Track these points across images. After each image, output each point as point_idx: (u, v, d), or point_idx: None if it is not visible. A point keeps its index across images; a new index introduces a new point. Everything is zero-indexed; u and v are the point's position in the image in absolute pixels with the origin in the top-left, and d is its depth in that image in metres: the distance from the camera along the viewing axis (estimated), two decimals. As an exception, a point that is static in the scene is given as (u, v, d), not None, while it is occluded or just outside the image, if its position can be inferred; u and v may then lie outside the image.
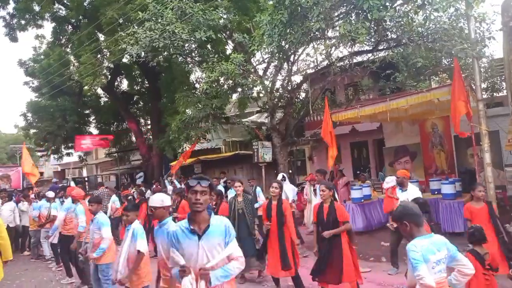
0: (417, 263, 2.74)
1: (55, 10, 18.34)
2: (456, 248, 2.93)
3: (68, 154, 22.55)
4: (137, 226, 4.45)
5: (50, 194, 9.47)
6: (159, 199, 3.97)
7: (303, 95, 14.68)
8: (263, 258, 6.06)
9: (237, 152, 16.95)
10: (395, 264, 6.60)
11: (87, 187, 22.31)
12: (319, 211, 5.15)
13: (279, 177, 9.49)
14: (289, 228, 5.65)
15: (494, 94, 12.58)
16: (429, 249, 2.79)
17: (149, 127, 22.51)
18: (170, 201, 4.17)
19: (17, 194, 13.09)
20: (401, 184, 6.42)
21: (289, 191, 9.10)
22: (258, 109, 17.11)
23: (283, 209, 5.71)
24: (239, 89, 12.27)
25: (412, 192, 6.18)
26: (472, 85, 8.24)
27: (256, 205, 7.41)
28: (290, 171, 15.22)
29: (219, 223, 2.74)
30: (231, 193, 8.23)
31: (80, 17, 17.92)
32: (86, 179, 29.07)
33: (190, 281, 2.54)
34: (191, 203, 2.68)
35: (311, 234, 8.02)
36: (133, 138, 22.16)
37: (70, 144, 22.00)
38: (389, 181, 6.79)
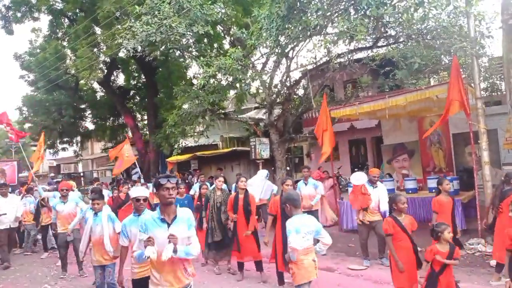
0: (289, 233, 4.00)
1: (51, 3, 18.13)
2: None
3: (63, 149, 22.41)
4: (109, 211, 5.51)
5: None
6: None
7: (301, 91, 14.62)
8: (233, 247, 6.62)
9: (234, 148, 16.87)
10: (367, 257, 6.95)
11: (82, 182, 22.20)
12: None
13: (263, 173, 9.49)
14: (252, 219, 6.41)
15: (493, 93, 12.56)
16: (301, 224, 4.02)
17: (145, 122, 22.40)
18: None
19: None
20: (372, 182, 6.94)
21: (261, 188, 9.18)
22: (256, 105, 17.04)
23: (249, 201, 6.43)
24: (237, 85, 12.17)
25: (382, 188, 6.96)
26: (471, 84, 8.21)
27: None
28: (288, 167, 15.19)
29: (184, 214, 3.28)
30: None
31: (77, 11, 17.78)
32: (81, 174, 28.96)
33: (153, 250, 2.98)
34: (165, 198, 3.14)
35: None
36: (130, 133, 22.03)
37: (65, 139, 21.87)
38: (360, 178, 6.99)
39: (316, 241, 4.13)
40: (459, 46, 7.87)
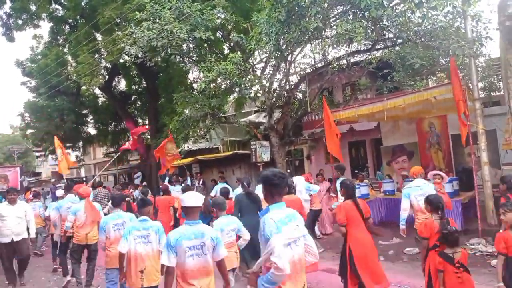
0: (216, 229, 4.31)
1: (52, 10, 18.26)
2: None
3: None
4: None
5: (59, 192, 8.79)
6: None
7: (300, 94, 14.70)
8: None
9: (235, 151, 16.93)
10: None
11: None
12: None
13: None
14: None
15: (491, 93, 12.62)
16: (225, 224, 4.87)
17: (147, 127, 22.49)
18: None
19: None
20: None
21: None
22: (256, 108, 17.12)
23: None
24: (237, 89, 12.26)
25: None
26: (469, 85, 8.29)
27: None
28: (288, 170, 15.23)
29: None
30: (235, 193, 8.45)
31: (78, 17, 17.87)
32: (84, 179, 29.02)
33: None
34: None
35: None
36: (131, 139, 22.10)
37: (68, 144, 21.96)
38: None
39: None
40: (457, 45, 7.94)
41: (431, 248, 4.20)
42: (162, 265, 4.20)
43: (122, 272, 4.53)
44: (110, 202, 6.20)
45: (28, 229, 7.03)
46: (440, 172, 7.41)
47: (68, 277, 7.11)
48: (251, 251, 5.32)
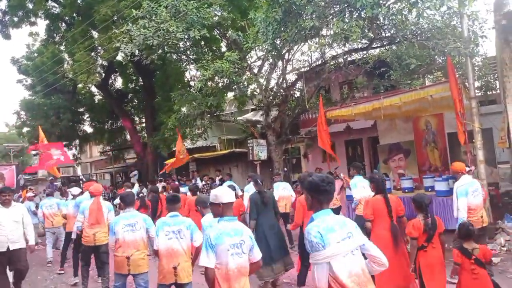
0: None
1: (48, 8, 18.22)
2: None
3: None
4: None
5: (75, 190, 8.09)
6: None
7: (297, 93, 14.70)
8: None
9: (232, 150, 16.95)
10: None
11: (81, 185, 22.13)
12: None
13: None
14: None
15: (488, 92, 12.67)
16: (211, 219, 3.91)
17: (143, 125, 22.46)
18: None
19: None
20: None
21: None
22: (253, 107, 17.13)
23: None
24: (234, 87, 12.26)
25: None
26: (466, 83, 8.31)
27: None
28: (286, 168, 15.25)
29: None
30: (246, 190, 8.63)
31: (74, 15, 17.83)
32: (80, 177, 28.94)
33: None
34: None
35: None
36: (128, 136, 22.10)
37: (64, 143, 21.89)
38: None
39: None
40: (453, 47, 7.96)
41: (419, 248, 4.22)
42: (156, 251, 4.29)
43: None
44: (119, 200, 5.96)
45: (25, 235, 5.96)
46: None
47: (76, 279, 6.98)
48: (265, 254, 4.67)
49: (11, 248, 5.68)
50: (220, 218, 3.18)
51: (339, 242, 2.47)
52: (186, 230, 4.35)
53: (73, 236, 7.17)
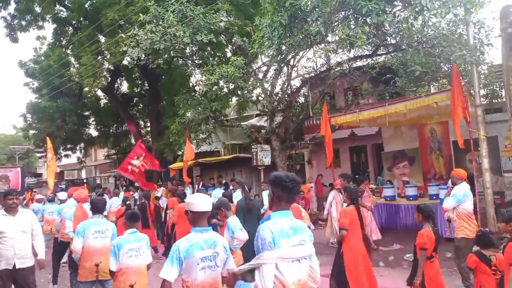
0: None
1: (56, 12, 18.39)
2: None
3: (66, 156, 22.54)
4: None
5: (62, 195, 8.22)
6: None
7: (302, 99, 14.71)
8: None
9: (236, 155, 16.94)
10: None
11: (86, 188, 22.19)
12: None
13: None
14: None
15: (493, 100, 12.61)
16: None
17: (148, 129, 22.53)
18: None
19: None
20: None
21: None
22: (258, 112, 17.13)
23: None
24: (239, 92, 12.29)
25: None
26: (471, 91, 8.28)
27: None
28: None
29: None
30: (235, 197, 8.33)
31: (81, 19, 17.98)
32: (85, 180, 29.07)
33: None
34: None
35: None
36: (133, 140, 22.16)
37: (69, 146, 22.01)
38: None
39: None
40: (459, 55, 7.94)
41: (427, 258, 4.20)
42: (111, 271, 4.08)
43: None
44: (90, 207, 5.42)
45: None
46: None
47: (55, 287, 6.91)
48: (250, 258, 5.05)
49: (18, 267, 4.68)
50: (192, 228, 2.95)
51: (291, 247, 2.41)
52: (145, 247, 4.36)
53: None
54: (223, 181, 13.66)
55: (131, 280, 4.11)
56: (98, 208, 5.02)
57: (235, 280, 2.52)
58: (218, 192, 9.73)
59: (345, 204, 5.27)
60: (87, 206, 6.15)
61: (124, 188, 15.41)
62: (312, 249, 2.56)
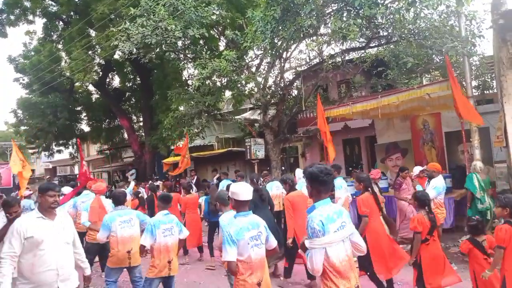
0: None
1: (45, 6, 18.16)
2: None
3: (59, 151, 22.38)
4: None
5: (66, 189, 8.20)
6: None
7: (295, 92, 14.71)
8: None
9: (229, 148, 16.94)
10: None
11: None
12: None
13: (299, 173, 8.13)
14: None
15: (485, 91, 12.70)
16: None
17: (141, 124, 22.42)
18: None
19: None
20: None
21: None
22: (251, 106, 17.10)
23: None
24: (232, 86, 12.25)
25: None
26: (463, 82, 8.33)
27: None
28: (283, 167, 15.26)
29: None
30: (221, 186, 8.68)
31: (71, 13, 17.77)
32: (78, 176, 28.91)
33: None
34: None
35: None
36: (125, 135, 22.05)
37: (61, 141, 21.83)
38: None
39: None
40: (451, 46, 7.98)
41: (423, 241, 4.45)
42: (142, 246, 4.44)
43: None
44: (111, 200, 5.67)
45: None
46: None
47: None
48: None
49: None
50: (236, 214, 3.36)
51: (336, 231, 2.74)
52: (176, 227, 4.73)
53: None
54: (217, 175, 13.67)
55: (169, 257, 4.58)
56: (119, 200, 5.27)
57: (304, 249, 2.85)
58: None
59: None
60: (103, 198, 6.50)
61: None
62: (352, 228, 2.91)
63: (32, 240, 3.21)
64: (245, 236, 3.15)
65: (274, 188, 8.75)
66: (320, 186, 2.85)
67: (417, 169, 7.99)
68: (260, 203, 5.94)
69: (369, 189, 5.15)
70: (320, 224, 2.68)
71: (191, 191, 8.65)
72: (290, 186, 5.96)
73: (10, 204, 4.23)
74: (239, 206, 3.35)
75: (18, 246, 3.18)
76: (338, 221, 2.78)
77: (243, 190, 3.34)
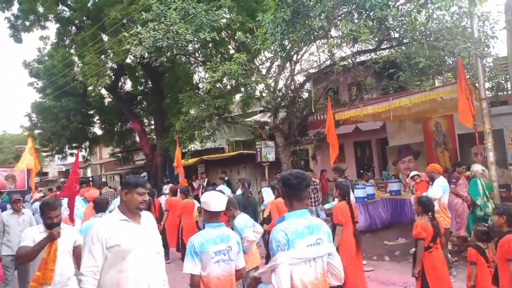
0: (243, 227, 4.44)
1: (59, 11, 18.44)
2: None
3: (72, 154, 22.67)
4: None
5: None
6: None
7: (306, 94, 14.69)
8: None
9: (240, 151, 16.97)
10: None
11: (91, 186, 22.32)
12: None
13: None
14: None
15: (499, 93, 12.53)
16: (247, 218, 4.42)
17: (152, 127, 22.61)
18: None
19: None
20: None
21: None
22: (261, 108, 17.13)
23: None
24: (242, 89, 12.29)
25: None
26: (476, 84, 8.22)
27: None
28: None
29: None
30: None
31: (84, 18, 18.02)
32: (90, 179, 29.22)
33: None
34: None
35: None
36: (137, 138, 22.26)
37: (74, 144, 22.13)
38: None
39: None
40: (463, 47, 7.88)
41: (426, 249, 4.29)
42: None
43: None
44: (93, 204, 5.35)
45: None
46: (419, 173, 7.80)
47: None
48: None
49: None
50: (206, 224, 3.14)
51: (308, 246, 2.34)
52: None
53: None
54: (226, 178, 13.70)
55: None
56: (102, 206, 5.11)
57: (256, 284, 2.47)
58: (222, 189, 9.81)
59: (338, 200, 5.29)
60: None
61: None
62: (330, 247, 2.48)
63: (119, 250, 2.56)
64: (210, 249, 2.89)
65: (271, 193, 8.76)
66: (290, 191, 2.44)
67: (412, 173, 7.91)
68: (242, 209, 6.06)
69: (346, 198, 5.04)
70: (285, 237, 2.29)
71: (188, 196, 8.38)
72: (279, 192, 5.96)
73: (53, 207, 3.37)
74: (210, 216, 3.10)
75: (100, 257, 2.53)
76: (309, 238, 2.35)
77: (214, 201, 3.08)
